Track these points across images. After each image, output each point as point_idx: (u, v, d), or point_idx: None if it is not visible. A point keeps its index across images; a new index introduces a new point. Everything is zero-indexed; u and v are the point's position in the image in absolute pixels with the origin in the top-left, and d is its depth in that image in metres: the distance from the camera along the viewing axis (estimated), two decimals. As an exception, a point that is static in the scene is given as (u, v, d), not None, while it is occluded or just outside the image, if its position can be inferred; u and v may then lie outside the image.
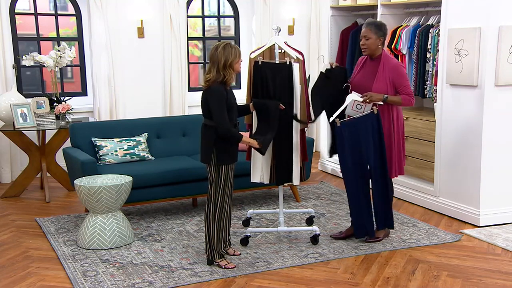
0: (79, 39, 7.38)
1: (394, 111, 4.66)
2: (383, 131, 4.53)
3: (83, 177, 4.90)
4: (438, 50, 5.50)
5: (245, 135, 4.58)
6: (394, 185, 6.08)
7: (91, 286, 3.99)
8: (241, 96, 6.31)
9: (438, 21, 5.63)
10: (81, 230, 4.74)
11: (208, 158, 4.17)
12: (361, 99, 4.50)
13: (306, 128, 4.85)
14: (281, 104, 4.45)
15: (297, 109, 4.57)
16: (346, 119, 4.55)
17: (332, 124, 4.58)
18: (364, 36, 4.60)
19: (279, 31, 4.73)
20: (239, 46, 8.09)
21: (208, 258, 4.31)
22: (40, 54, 6.60)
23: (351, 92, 4.60)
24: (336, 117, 4.52)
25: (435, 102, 5.57)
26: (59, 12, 7.35)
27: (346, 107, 4.56)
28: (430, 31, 5.75)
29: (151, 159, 5.77)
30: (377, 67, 4.63)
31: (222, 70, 4.06)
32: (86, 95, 7.46)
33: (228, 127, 4.06)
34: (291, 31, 8.17)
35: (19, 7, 7.09)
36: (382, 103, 4.52)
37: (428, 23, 5.93)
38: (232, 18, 8.17)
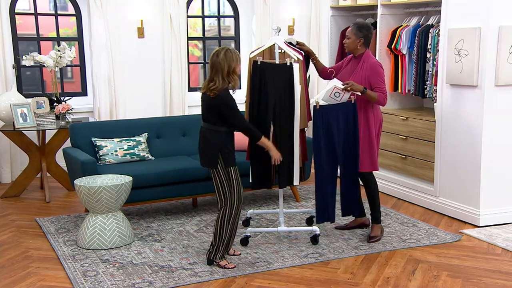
0: (79, 39, 7.38)
1: (371, 108, 4.69)
2: (358, 123, 4.58)
3: (83, 177, 4.90)
4: (438, 50, 5.50)
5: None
6: (394, 185, 6.11)
7: (91, 286, 3.99)
8: (241, 96, 6.30)
9: (438, 21, 5.63)
10: (81, 230, 4.74)
11: (214, 163, 4.16)
12: (342, 87, 4.55)
13: (306, 128, 4.85)
14: (271, 131, 4.53)
15: (297, 109, 4.58)
16: (324, 104, 4.61)
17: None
18: (346, 35, 4.76)
19: (279, 31, 4.73)
20: (239, 46, 8.11)
21: (209, 258, 4.31)
22: (40, 54, 6.60)
23: (333, 78, 4.68)
24: (317, 100, 4.58)
25: (435, 102, 5.57)
26: (59, 12, 7.35)
27: (325, 92, 4.64)
28: (430, 31, 5.75)
29: (151, 159, 5.77)
30: (357, 64, 4.73)
31: (227, 77, 4.06)
32: (86, 95, 7.45)
33: (248, 126, 4.23)
34: (291, 31, 8.16)
35: (19, 7, 7.09)
36: (360, 94, 4.55)
37: (428, 23, 5.93)
38: (232, 18, 8.17)
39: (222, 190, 4.21)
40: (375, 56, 6.26)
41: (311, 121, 4.77)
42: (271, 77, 4.52)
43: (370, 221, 4.96)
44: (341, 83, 4.58)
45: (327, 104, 4.61)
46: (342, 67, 4.91)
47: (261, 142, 4.28)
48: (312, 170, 5.92)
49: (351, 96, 4.56)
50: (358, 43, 4.69)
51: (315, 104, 4.56)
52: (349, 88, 4.52)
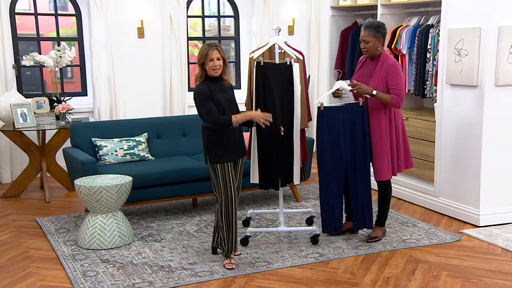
0: (79, 39, 7.38)
1: (386, 111, 4.58)
2: (367, 126, 4.47)
3: (83, 177, 4.90)
4: (438, 50, 5.51)
5: (246, 134, 4.58)
6: (394, 185, 6.09)
7: (91, 286, 3.99)
8: (241, 96, 6.30)
9: (438, 21, 5.63)
10: (81, 230, 4.74)
11: (205, 158, 4.24)
12: (348, 88, 4.47)
13: (306, 128, 4.85)
14: (282, 128, 4.50)
15: (297, 109, 4.58)
16: (330, 105, 4.54)
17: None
18: (363, 40, 4.57)
19: (279, 31, 4.73)
20: (239, 46, 8.11)
21: (213, 246, 4.45)
22: (40, 54, 6.60)
23: (340, 79, 4.64)
24: (321, 101, 4.52)
25: (435, 102, 5.57)
26: (59, 12, 7.35)
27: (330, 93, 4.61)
28: (430, 31, 5.75)
29: (151, 159, 5.77)
30: (375, 66, 4.62)
31: (200, 68, 4.16)
32: (86, 95, 7.46)
33: (215, 118, 4.08)
34: (291, 31, 8.17)
35: (19, 7, 7.09)
36: (369, 96, 4.48)
37: (428, 23, 5.93)
38: (232, 18, 8.17)
39: (212, 185, 4.27)
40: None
41: (311, 121, 4.75)
42: (274, 77, 4.52)
43: (374, 222, 4.88)
44: (348, 84, 4.53)
45: (332, 105, 4.54)
46: (356, 70, 4.80)
47: (235, 122, 4.11)
48: (313, 170, 5.94)
49: (360, 98, 4.48)
50: (379, 44, 4.56)
51: (319, 106, 4.51)
52: (355, 90, 4.45)
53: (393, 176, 4.70)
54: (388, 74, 4.54)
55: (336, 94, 4.66)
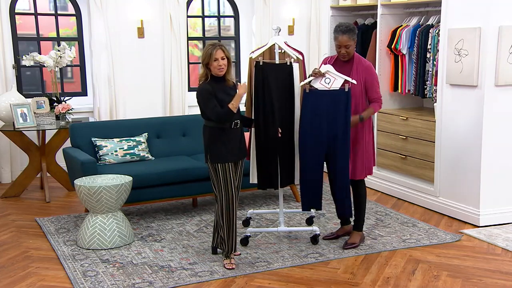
0: (79, 39, 7.38)
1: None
2: (350, 113, 4.39)
3: (83, 177, 4.90)
4: (438, 50, 5.51)
5: (246, 135, 4.59)
6: (394, 185, 6.11)
7: (91, 286, 3.99)
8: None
9: (438, 21, 5.63)
10: (81, 230, 4.74)
11: (206, 158, 4.25)
12: (335, 72, 4.37)
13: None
14: (279, 130, 4.51)
15: (296, 109, 4.58)
16: (316, 88, 4.45)
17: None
18: (345, 45, 4.42)
19: (279, 31, 4.72)
20: (239, 46, 8.11)
21: (213, 246, 4.45)
22: (40, 54, 6.60)
23: (326, 63, 4.56)
24: (307, 83, 4.46)
25: (435, 102, 5.57)
26: (59, 12, 7.35)
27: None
28: (430, 31, 5.75)
29: (151, 159, 5.77)
30: (349, 68, 4.50)
31: (205, 68, 4.14)
32: (86, 95, 7.46)
33: (217, 113, 4.07)
34: (291, 31, 8.16)
35: (19, 7, 7.09)
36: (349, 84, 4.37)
37: (428, 23, 5.93)
38: (232, 18, 8.17)
39: (212, 185, 4.29)
40: (375, 57, 6.28)
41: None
42: (273, 77, 4.52)
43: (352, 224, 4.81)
44: (335, 72, 4.41)
45: (316, 89, 4.45)
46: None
47: (233, 107, 4.11)
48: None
49: (346, 84, 4.39)
50: (355, 45, 4.51)
51: (305, 88, 4.43)
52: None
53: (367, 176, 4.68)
54: (367, 76, 4.47)
55: (318, 73, 4.46)
